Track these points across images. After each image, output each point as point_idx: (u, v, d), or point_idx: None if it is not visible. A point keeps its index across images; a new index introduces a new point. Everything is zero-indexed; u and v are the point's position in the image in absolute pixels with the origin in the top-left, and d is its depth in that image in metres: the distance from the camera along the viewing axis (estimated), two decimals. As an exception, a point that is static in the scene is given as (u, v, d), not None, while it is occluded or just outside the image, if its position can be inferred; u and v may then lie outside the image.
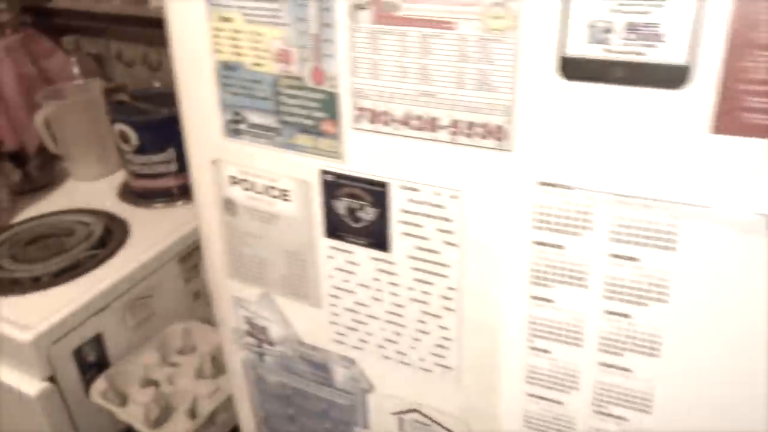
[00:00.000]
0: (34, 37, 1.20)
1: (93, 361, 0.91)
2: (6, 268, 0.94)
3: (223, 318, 0.59)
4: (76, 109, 1.13)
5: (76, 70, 1.21)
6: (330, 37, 0.41)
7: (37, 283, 0.92)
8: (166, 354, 0.95)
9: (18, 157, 1.14)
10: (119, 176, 1.16)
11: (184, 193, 1.09)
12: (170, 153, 1.06)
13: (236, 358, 0.59)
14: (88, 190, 1.15)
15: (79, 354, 0.89)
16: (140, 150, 1.05)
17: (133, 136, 1.04)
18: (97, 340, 0.91)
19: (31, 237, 1.02)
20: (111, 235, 1.01)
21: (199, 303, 1.04)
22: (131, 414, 0.86)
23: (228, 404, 0.87)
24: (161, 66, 1.20)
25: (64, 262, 0.95)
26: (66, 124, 1.12)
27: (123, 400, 0.89)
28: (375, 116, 0.42)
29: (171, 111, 1.06)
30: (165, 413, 0.88)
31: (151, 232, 1.02)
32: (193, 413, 0.87)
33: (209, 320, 1.00)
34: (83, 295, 0.89)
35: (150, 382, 0.91)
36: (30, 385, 0.85)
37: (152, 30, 1.17)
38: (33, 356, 0.84)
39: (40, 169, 1.16)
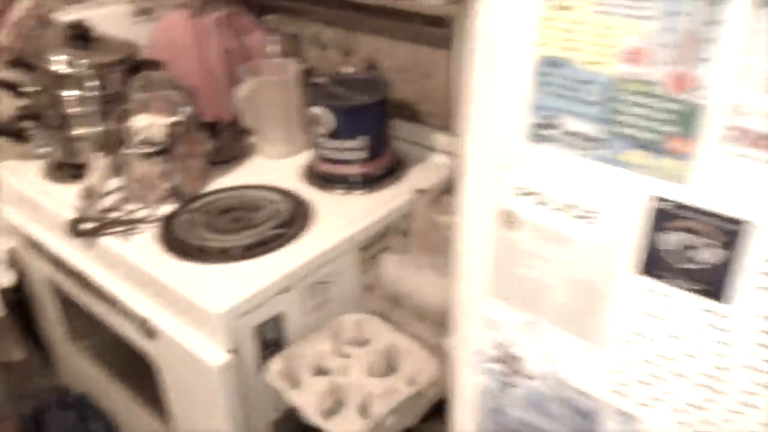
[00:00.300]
0: (240, 13, 1.18)
1: (270, 339, 0.87)
2: (199, 236, 0.92)
3: (464, 336, 0.51)
4: (272, 87, 1.10)
5: (274, 48, 1.18)
6: (714, 36, 0.32)
7: (225, 255, 0.89)
8: (338, 343, 0.89)
9: (212, 128, 1.12)
10: (302, 157, 1.12)
11: (366, 182, 1.04)
12: (362, 141, 1.00)
13: (471, 381, 0.51)
14: (273, 167, 1.12)
15: (259, 330, 0.85)
16: (333, 134, 1.00)
17: (329, 120, 0.99)
18: (277, 320, 0.87)
19: (223, 208, 0.99)
20: (296, 215, 0.97)
21: (371, 296, 0.98)
22: (304, 400, 0.81)
23: (400, 408, 0.80)
24: (354, 51, 1.15)
25: (252, 238, 0.91)
26: (261, 101, 1.09)
27: (294, 383, 0.84)
28: (758, 139, 0.32)
29: (369, 98, 1.00)
30: (335, 404, 0.82)
31: (334, 217, 0.97)
32: (363, 410, 0.80)
33: (379, 314, 0.94)
34: (272, 273, 0.85)
35: (322, 371, 0.86)
36: (213, 355, 0.82)
37: (352, 14, 1.11)
38: (221, 328, 0.81)
39: (230, 142, 1.14)
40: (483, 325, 0.48)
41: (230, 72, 1.15)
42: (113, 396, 1.14)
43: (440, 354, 0.85)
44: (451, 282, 0.51)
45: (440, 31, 1.01)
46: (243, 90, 1.07)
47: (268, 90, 1.09)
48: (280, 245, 0.90)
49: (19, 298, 1.18)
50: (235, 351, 0.82)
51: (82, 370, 1.19)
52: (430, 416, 0.87)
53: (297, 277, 0.87)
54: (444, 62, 1.03)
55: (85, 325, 1.12)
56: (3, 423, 1.25)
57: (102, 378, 1.14)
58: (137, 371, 1.01)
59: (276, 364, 0.84)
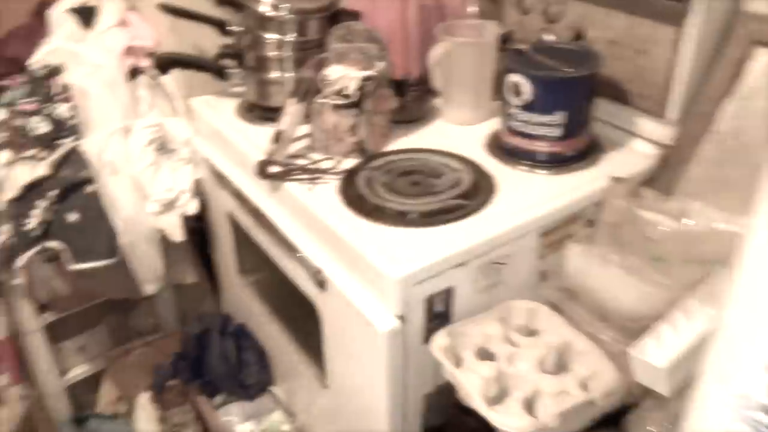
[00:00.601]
0: (442, -31, 1.12)
1: (438, 312, 0.84)
2: (378, 195, 0.90)
3: (727, 374, 0.43)
4: (467, 50, 1.04)
5: (472, 9, 1.12)
6: None
7: (402, 218, 0.86)
8: (506, 329, 0.84)
9: (398, 86, 1.08)
10: (486, 126, 1.06)
11: (554, 162, 0.96)
12: (558, 117, 0.92)
13: (721, 424, 0.43)
14: (456, 134, 1.07)
15: (429, 301, 0.82)
16: (529, 106, 0.93)
17: (527, 91, 0.91)
18: (447, 293, 0.83)
19: (403, 169, 0.96)
20: (478, 187, 0.91)
21: (546, 284, 0.91)
22: (469, 381, 0.77)
23: (568, 412, 0.74)
24: (560, 18, 1.05)
25: (432, 205, 0.88)
26: (454, 64, 1.04)
27: (456, 361, 0.80)
28: None
29: (576, 71, 0.91)
30: (499, 393, 0.77)
31: (516, 195, 0.90)
32: (528, 405, 0.75)
33: (553, 305, 0.87)
34: (451, 246, 0.82)
35: (486, 354, 0.81)
36: (382, 319, 0.80)
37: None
38: (394, 294, 0.78)
39: (415, 102, 1.11)
40: (760, 365, 0.40)
41: (424, 30, 1.10)
42: (270, 332, 1.18)
43: (621, 362, 0.77)
44: (719, 302, 0.43)
45: (669, 4, 0.89)
46: (438, 50, 1.02)
47: (463, 52, 1.03)
48: (460, 217, 0.86)
49: (199, 226, 1.24)
50: (404, 318, 0.79)
51: (245, 303, 1.24)
52: (597, 426, 0.80)
53: (474, 253, 0.83)
54: (668, 40, 0.91)
55: (255, 261, 1.16)
56: (170, 337, 1.35)
57: (263, 313, 1.19)
58: (298, 315, 1.02)
59: (442, 339, 0.81)
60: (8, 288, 1.13)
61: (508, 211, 0.87)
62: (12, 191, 1.07)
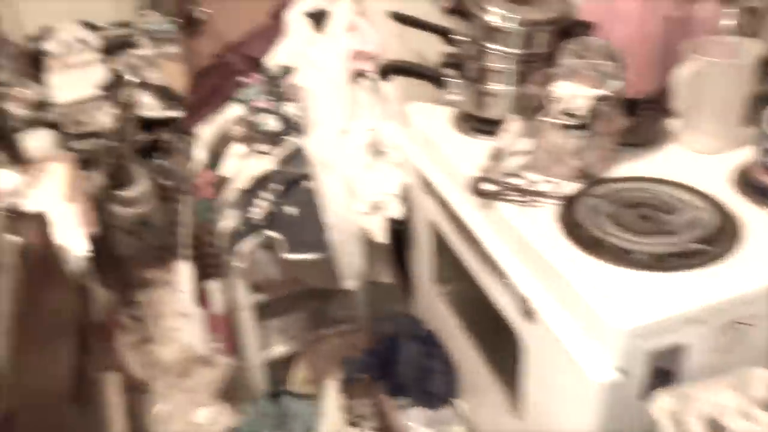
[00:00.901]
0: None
1: (661, 368, 0.73)
2: (601, 228, 0.81)
3: None
4: (720, 71, 0.90)
5: (728, 23, 0.97)
6: None
7: (627, 257, 0.77)
8: (745, 401, 0.71)
9: (630, 104, 0.97)
10: (731, 157, 0.91)
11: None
12: (837, 158, 0.76)
13: None
14: (695, 163, 0.94)
15: (653, 356, 0.72)
16: (798, 143, 0.77)
17: (799, 125, 0.76)
18: (676, 351, 0.73)
19: (631, 200, 0.86)
20: (721, 230, 0.79)
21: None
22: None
23: None
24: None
25: (665, 246, 0.78)
26: (702, 85, 0.91)
27: (678, 427, 0.70)
28: None
29: None
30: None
31: (769, 243, 0.76)
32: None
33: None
34: (690, 298, 0.71)
35: (717, 427, 0.69)
36: (598, 368, 0.72)
37: None
38: (617, 344, 0.70)
39: (647, 123, 0.99)
40: None
41: (666, 44, 0.97)
42: (460, 345, 1.15)
43: None
44: None
45: None
46: (686, 70, 0.89)
47: (714, 74, 0.90)
48: (699, 264, 0.75)
49: (399, 228, 1.24)
50: (625, 372, 0.71)
51: (437, 311, 1.22)
52: None
53: (715, 310, 0.71)
54: None
55: (452, 273, 1.13)
56: (361, 332, 1.38)
57: (454, 325, 1.15)
58: (493, 335, 0.97)
59: (666, 401, 0.71)
60: (229, 269, 1.22)
61: (758, 263, 0.74)
62: (243, 182, 1.15)
